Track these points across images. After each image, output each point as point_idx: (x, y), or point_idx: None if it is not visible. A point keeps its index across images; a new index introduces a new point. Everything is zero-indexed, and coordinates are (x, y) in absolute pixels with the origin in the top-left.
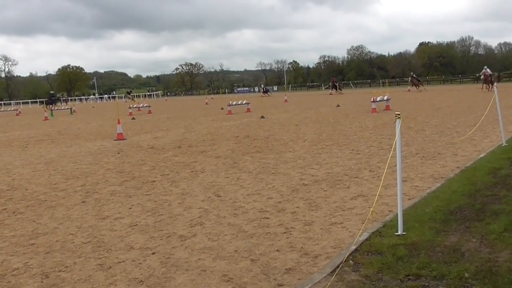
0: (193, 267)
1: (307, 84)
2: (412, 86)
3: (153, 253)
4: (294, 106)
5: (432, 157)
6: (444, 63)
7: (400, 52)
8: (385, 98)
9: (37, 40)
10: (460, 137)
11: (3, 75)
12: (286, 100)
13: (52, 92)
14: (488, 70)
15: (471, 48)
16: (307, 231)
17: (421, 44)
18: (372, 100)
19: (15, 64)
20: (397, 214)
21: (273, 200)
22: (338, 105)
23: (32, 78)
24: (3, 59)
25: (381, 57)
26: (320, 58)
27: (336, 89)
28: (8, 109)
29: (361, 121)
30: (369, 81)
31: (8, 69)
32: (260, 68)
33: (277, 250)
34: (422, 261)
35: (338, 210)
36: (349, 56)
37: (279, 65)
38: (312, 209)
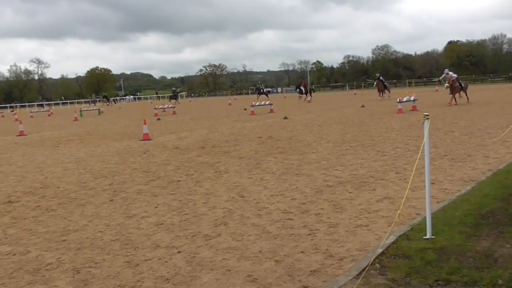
0: (218, 266)
1: (331, 84)
2: (379, 92)
3: (179, 252)
4: (318, 107)
5: (462, 159)
6: (474, 62)
7: (428, 51)
8: (412, 98)
9: (67, 43)
10: (492, 138)
11: (36, 77)
12: (309, 101)
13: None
14: (451, 73)
15: (504, 46)
16: (332, 233)
17: (450, 43)
18: (398, 100)
19: (48, 67)
20: (425, 217)
21: (297, 201)
22: (362, 106)
23: (63, 80)
24: (37, 62)
25: (407, 57)
26: (344, 58)
27: (306, 94)
28: (41, 110)
29: (386, 122)
30: (395, 81)
31: (41, 71)
32: (283, 69)
33: (302, 252)
34: (452, 266)
35: (364, 213)
36: (374, 56)
37: (302, 66)
38: (337, 211)
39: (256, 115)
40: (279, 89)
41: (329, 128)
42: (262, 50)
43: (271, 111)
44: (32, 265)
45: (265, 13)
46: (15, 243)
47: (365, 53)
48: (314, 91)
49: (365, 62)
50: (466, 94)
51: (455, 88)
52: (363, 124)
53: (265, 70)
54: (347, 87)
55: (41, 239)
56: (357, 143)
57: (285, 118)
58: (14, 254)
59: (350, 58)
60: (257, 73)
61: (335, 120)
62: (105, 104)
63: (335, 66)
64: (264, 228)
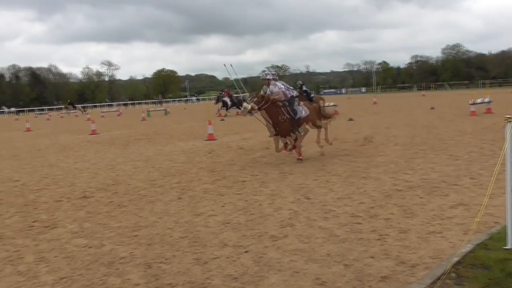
0: (286, 268)
1: (397, 85)
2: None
3: (246, 252)
4: (384, 108)
5: None
6: None
7: (503, 50)
8: (486, 100)
9: (133, 46)
10: None
11: (106, 78)
12: (375, 102)
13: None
14: (280, 84)
15: None
16: (403, 239)
17: None
18: (471, 102)
19: (117, 69)
20: (505, 226)
21: (365, 205)
22: (432, 108)
23: (132, 81)
24: (107, 64)
25: (480, 56)
26: (411, 58)
27: (227, 108)
28: (111, 110)
29: (458, 125)
30: (467, 82)
31: (111, 73)
32: (347, 69)
33: (371, 257)
34: None
35: (436, 219)
36: (444, 56)
37: (367, 66)
38: (408, 216)
39: None
40: (343, 90)
41: (396, 130)
42: (324, 51)
43: (336, 112)
44: (107, 258)
45: (326, 14)
46: (91, 236)
47: (433, 52)
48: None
49: (434, 62)
50: (325, 134)
51: (282, 129)
52: (433, 126)
53: (328, 70)
54: (415, 88)
55: (114, 234)
56: (427, 146)
57: (351, 119)
58: (90, 247)
59: (418, 58)
60: (320, 73)
61: (403, 122)
62: (69, 112)
63: (402, 67)
64: (331, 231)
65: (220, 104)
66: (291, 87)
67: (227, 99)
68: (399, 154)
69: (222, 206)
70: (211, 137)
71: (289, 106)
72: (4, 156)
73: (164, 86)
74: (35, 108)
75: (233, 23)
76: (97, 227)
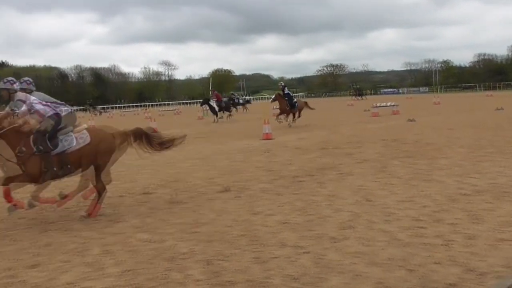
0: (346, 270)
1: (460, 85)
2: (281, 114)
3: (305, 252)
4: (447, 109)
5: None
6: None
7: None
8: None
9: (190, 46)
10: None
11: (164, 78)
12: (437, 102)
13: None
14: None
15: None
16: (470, 245)
17: None
18: None
19: (176, 69)
20: None
21: (429, 209)
22: (498, 108)
23: (189, 81)
24: (166, 64)
25: None
26: (475, 56)
27: (228, 111)
28: (169, 109)
29: None
30: None
31: (170, 73)
32: (406, 68)
33: (436, 263)
34: None
35: (506, 226)
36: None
37: (428, 65)
38: (475, 222)
39: (378, 116)
40: (403, 90)
41: (460, 131)
42: (382, 49)
43: (395, 112)
44: (168, 253)
45: (384, 11)
46: (153, 231)
47: (499, 50)
48: (237, 106)
49: (500, 60)
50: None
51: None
52: (500, 128)
53: (386, 69)
54: (481, 88)
55: (174, 230)
56: (494, 149)
57: (411, 120)
58: (153, 242)
59: (484, 57)
60: (378, 72)
61: (467, 123)
62: (92, 113)
63: (465, 65)
64: (393, 234)
65: (206, 107)
66: (55, 101)
67: (213, 103)
68: (464, 156)
69: (280, 206)
70: (268, 137)
71: (50, 133)
72: None
73: (220, 85)
74: (97, 106)
75: (288, 22)
76: (158, 223)
